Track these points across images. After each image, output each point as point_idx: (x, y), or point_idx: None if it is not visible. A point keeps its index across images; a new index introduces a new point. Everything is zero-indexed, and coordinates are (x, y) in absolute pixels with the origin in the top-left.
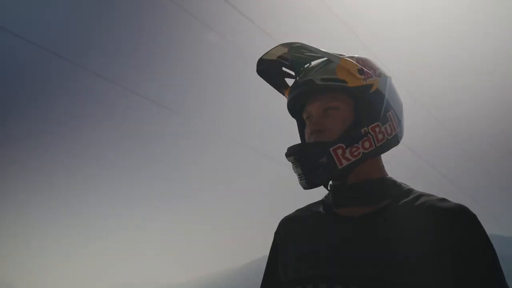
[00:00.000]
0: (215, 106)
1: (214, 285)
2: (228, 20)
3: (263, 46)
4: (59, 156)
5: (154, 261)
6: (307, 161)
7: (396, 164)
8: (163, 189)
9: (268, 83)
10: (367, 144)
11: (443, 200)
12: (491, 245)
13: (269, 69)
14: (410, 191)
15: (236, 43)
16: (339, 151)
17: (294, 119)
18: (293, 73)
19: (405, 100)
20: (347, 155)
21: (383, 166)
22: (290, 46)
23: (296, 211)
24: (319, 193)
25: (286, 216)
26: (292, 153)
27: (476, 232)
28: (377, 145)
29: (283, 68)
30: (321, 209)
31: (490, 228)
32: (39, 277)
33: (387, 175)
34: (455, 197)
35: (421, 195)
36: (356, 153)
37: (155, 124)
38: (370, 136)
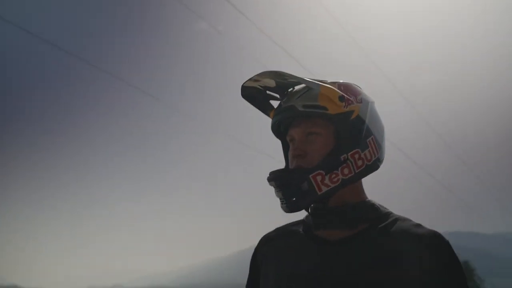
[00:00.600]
0: (211, 99)
1: (202, 274)
2: (228, 16)
3: (260, 41)
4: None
5: (143, 250)
6: (288, 186)
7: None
8: (156, 180)
9: (254, 106)
10: (346, 171)
11: (418, 226)
12: (462, 271)
13: (254, 93)
14: (387, 214)
15: (233, 38)
16: (319, 178)
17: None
18: (277, 95)
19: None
20: (327, 181)
21: (362, 190)
22: (270, 74)
23: (276, 229)
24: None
25: (266, 235)
26: (274, 179)
27: (449, 260)
28: (356, 172)
29: (267, 92)
30: (300, 230)
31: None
32: (26, 265)
33: (366, 198)
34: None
35: (397, 219)
36: (335, 180)
37: (151, 119)
38: (350, 163)
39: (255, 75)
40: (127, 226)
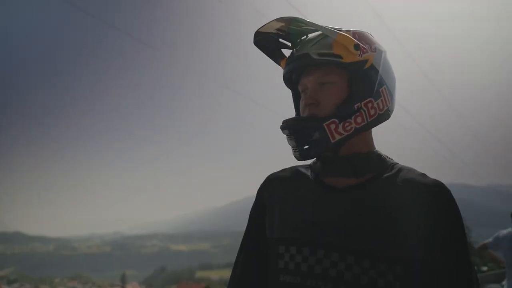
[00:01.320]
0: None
1: (198, 222)
2: None
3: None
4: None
5: (141, 200)
6: (301, 134)
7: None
8: (152, 131)
9: (265, 54)
10: (359, 119)
11: (423, 175)
12: (461, 218)
13: (266, 40)
14: (393, 165)
15: None
16: (332, 126)
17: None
18: (289, 44)
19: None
20: (340, 129)
21: (371, 140)
22: (287, 20)
23: (282, 170)
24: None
25: (272, 174)
26: (287, 127)
27: (450, 208)
28: (369, 120)
29: (280, 40)
30: (309, 174)
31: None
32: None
33: (374, 148)
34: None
35: (402, 169)
36: (348, 128)
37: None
38: (363, 112)
39: (271, 21)
40: (126, 177)
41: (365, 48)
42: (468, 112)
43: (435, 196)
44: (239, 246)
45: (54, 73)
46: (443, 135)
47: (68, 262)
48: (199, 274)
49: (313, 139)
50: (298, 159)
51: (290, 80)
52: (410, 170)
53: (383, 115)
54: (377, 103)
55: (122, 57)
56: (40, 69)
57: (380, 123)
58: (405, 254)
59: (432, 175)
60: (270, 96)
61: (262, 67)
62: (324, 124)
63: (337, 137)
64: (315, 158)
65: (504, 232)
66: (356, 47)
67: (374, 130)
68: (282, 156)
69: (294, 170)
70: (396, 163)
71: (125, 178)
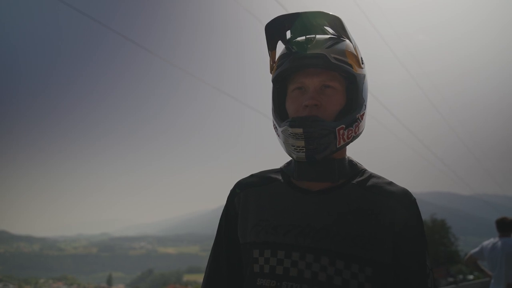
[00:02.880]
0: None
1: (187, 225)
2: None
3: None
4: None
5: (130, 202)
6: (314, 135)
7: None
8: (146, 134)
9: (268, 39)
10: (356, 129)
11: (390, 183)
12: (423, 227)
13: (277, 28)
14: (363, 171)
15: None
16: (341, 132)
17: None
18: (286, 38)
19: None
20: (345, 136)
21: (345, 148)
22: (332, 17)
23: (251, 176)
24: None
25: (242, 180)
26: (302, 125)
27: (417, 218)
28: (360, 131)
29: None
30: (280, 178)
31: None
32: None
33: (346, 155)
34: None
35: (372, 175)
36: (350, 136)
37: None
38: (359, 122)
39: (307, 12)
40: (116, 178)
41: (364, 63)
42: (457, 121)
43: (402, 203)
44: None
45: (54, 74)
46: (431, 142)
47: (54, 263)
48: (187, 277)
49: (323, 141)
50: (302, 160)
51: (283, 76)
52: (379, 177)
53: (362, 130)
54: (364, 117)
55: (120, 59)
56: (40, 68)
57: (359, 137)
58: (375, 256)
59: (421, 183)
60: (260, 98)
61: (258, 70)
62: (336, 128)
63: (342, 143)
64: (286, 162)
65: (486, 242)
66: (362, 60)
67: (368, 138)
68: (272, 160)
69: (264, 175)
70: (365, 169)
71: (115, 180)
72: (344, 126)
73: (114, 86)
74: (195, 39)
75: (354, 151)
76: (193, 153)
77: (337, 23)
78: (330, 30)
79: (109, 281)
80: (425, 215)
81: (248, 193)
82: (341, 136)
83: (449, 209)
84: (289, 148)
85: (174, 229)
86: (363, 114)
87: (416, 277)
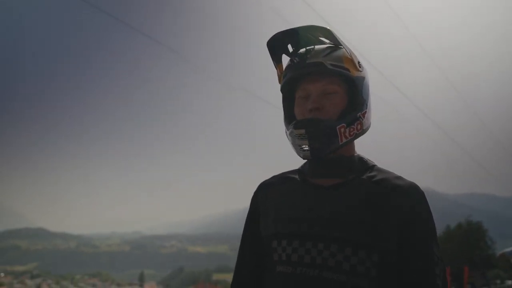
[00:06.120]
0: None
1: (218, 224)
2: None
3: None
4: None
5: (163, 200)
6: (316, 134)
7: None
8: (174, 132)
9: (272, 55)
10: (358, 126)
11: (399, 178)
12: (432, 218)
13: (279, 42)
14: (373, 167)
15: None
16: (342, 129)
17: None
18: (289, 51)
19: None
20: (347, 133)
21: (354, 145)
22: (319, 29)
23: (273, 177)
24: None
25: (265, 181)
26: (304, 126)
27: (423, 208)
28: (363, 128)
29: (288, 45)
30: (297, 177)
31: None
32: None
33: (356, 152)
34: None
35: (381, 171)
36: (351, 133)
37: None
38: (361, 120)
39: (299, 27)
40: (148, 176)
41: (362, 66)
42: (491, 119)
43: (410, 197)
44: None
45: (60, 71)
46: (466, 143)
47: (89, 260)
48: (216, 276)
49: (326, 139)
50: (307, 158)
51: (289, 85)
52: (388, 172)
53: (368, 125)
54: (368, 115)
55: (131, 53)
56: (46, 65)
57: (366, 132)
58: (382, 243)
59: (455, 184)
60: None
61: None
62: (337, 127)
63: (344, 140)
64: (304, 162)
65: None
66: (359, 64)
67: (395, 139)
68: (299, 160)
69: (284, 175)
70: (375, 165)
71: (149, 178)
72: (345, 124)
73: (129, 82)
74: (208, 33)
75: (388, 154)
76: (224, 152)
77: (328, 34)
78: (327, 40)
79: (141, 278)
80: (461, 218)
81: (269, 192)
82: (342, 134)
83: (486, 211)
84: (296, 149)
85: (204, 228)
86: (365, 113)
87: (423, 264)
